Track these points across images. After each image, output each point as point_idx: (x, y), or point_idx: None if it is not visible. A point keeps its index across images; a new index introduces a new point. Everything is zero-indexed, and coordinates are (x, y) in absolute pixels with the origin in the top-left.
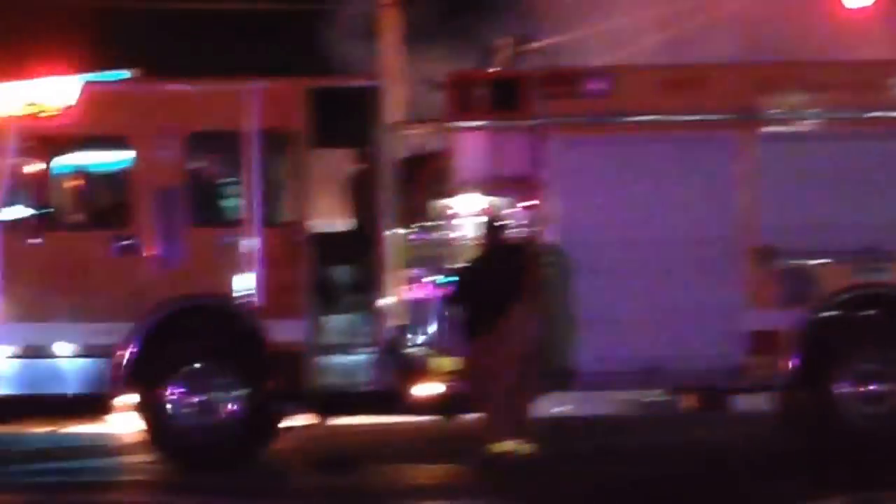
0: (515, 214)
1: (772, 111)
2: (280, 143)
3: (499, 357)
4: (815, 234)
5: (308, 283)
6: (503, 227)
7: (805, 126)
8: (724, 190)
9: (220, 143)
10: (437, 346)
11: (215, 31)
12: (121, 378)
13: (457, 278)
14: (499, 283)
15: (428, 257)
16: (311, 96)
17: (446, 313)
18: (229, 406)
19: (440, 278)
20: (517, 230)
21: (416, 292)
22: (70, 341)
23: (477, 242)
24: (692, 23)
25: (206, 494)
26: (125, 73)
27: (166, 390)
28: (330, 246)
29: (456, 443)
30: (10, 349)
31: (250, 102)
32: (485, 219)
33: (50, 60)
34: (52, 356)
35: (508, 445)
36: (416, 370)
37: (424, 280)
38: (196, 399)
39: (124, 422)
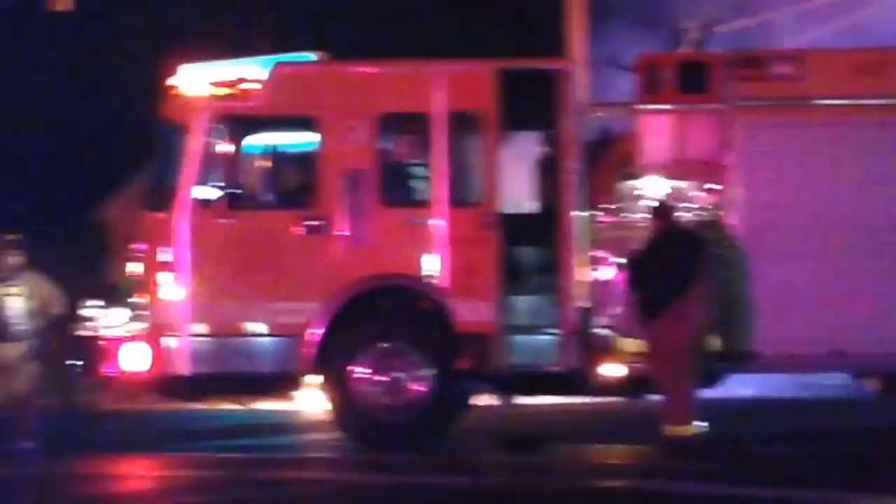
0: (699, 198)
1: None
2: (469, 125)
3: (674, 340)
4: None
5: (496, 264)
6: (674, 210)
7: None
8: None
9: (410, 125)
10: (622, 327)
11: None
12: (310, 357)
13: (633, 261)
14: (671, 267)
15: (613, 239)
16: (500, 78)
17: (629, 295)
18: (417, 385)
19: (624, 260)
20: (699, 213)
21: (602, 274)
22: (259, 320)
23: (649, 226)
24: (882, 6)
25: (392, 473)
26: (311, 55)
27: (354, 369)
28: (517, 227)
29: (639, 424)
30: (200, 327)
31: (439, 84)
32: (657, 203)
33: (241, 42)
34: (242, 335)
35: (688, 428)
36: (602, 351)
37: (610, 262)
38: (384, 378)
39: (311, 400)
